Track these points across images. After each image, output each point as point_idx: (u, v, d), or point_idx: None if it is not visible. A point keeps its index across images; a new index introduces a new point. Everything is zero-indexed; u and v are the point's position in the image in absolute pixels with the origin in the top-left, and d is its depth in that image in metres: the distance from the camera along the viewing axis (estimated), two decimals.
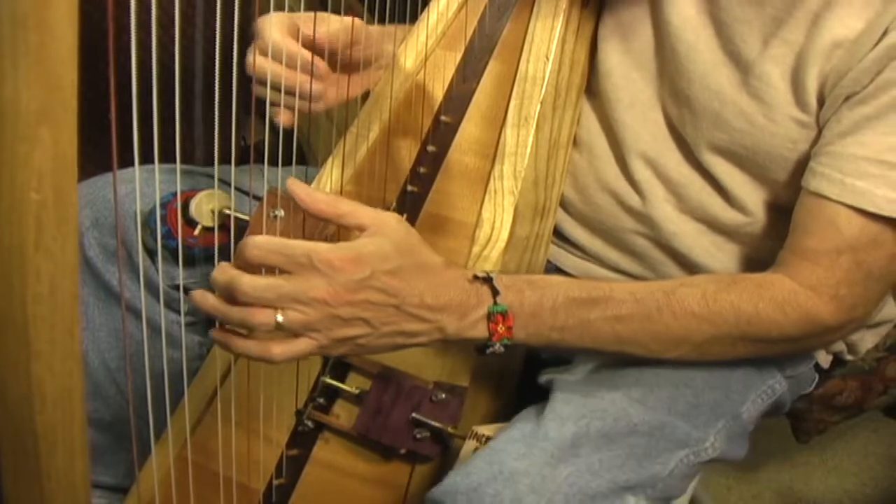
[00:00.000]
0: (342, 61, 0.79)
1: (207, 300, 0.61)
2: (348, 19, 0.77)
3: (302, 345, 0.61)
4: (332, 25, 0.76)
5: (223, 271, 0.60)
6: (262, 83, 0.73)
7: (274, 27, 0.74)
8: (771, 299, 0.73)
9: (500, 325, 0.67)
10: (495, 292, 0.67)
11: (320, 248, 0.60)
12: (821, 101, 0.76)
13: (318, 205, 0.63)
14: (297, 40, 0.74)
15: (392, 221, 0.64)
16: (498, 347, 0.67)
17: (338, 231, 0.72)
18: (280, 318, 0.59)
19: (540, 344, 0.70)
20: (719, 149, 0.82)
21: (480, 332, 0.67)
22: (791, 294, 0.73)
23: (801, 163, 0.78)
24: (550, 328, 0.69)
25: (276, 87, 0.73)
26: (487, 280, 0.68)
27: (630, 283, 0.74)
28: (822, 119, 0.77)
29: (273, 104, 0.75)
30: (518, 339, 0.68)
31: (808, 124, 0.77)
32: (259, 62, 0.73)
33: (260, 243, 0.60)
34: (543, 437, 0.68)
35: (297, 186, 0.63)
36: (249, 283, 0.59)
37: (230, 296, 0.59)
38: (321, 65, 0.75)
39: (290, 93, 0.75)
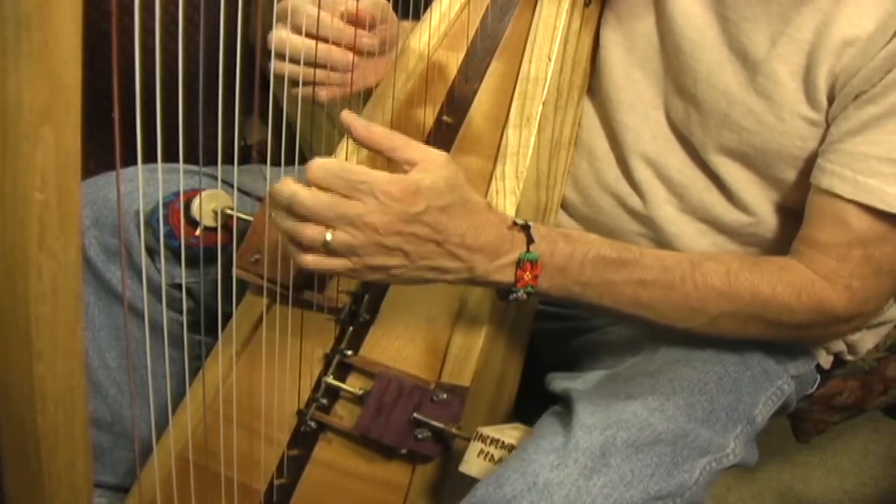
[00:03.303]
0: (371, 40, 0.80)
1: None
2: None
3: (336, 262, 0.63)
4: (349, 5, 0.77)
5: (286, 184, 0.62)
6: (290, 60, 0.75)
7: (301, 1, 0.75)
8: (789, 283, 0.74)
9: (528, 273, 0.68)
10: (530, 240, 0.68)
11: (381, 177, 0.62)
12: (830, 99, 0.77)
13: (374, 136, 0.65)
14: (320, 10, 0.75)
15: (442, 158, 0.65)
16: (521, 294, 0.69)
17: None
18: (329, 236, 0.61)
19: (560, 296, 0.71)
20: (727, 149, 0.82)
21: (507, 276, 0.68)
22: (808, 281, 0.75)
23: (809, 161, 0.79)
24: (574, 282, 0.71)
25: (302, 62, 0.75)
26: (525, 228, 0.69)
27: (659, 251, 0.76)
28: (831, 117, 0.77)
29: (294, 84, 0.76)
30: (541, 288, 0.69)
31: (818, 122, 0.78)
32: (285, 36, 0.75)
33: (323, 164, 0.62)
34: (574, 447, 0.67)
35: (352, 117, 0.66)
36: (310, 197, 0.61)
37: (289, 208, 0.62)
38: (349, 35, 0.76)
39: (317, 66, 0.76)
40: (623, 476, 0.66)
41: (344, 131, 0.86)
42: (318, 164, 0.62)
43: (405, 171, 0.64)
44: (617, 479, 0.66)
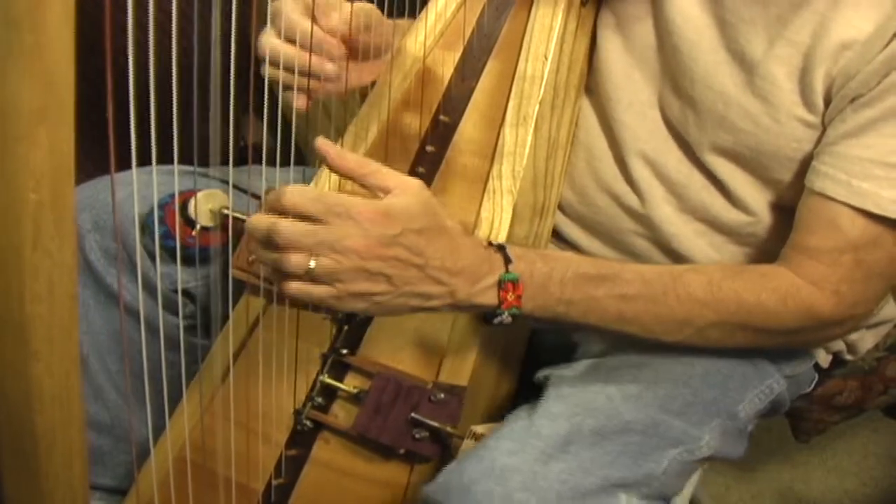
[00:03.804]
0: (360, 45, 0.80)
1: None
2: (362, 3, 0.77)
3: (319, 290, 0.63)
4: (345, 10, 0.76)
5: (261, 218, 0.62)
6: (276, 65, 0.74)
7: (291, 8, 0.75)
8: (774, 290, 0.74)
9: (510, 294, 0.68)
10: (507, 261, 0.68)
11: (356, 201, 0.62)
12: (827, 102, 0.77)
13: (347, 163, 0.65)
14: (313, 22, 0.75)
15: (415, 184, 0.65)
16: (506, 317, 0.68)
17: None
18: (313, 263, 0.61)
19: (546, 317, 0.71)
20: (723, 149, 0.82)
21: (490, 298, 0.68)
22: (793, 287, 0.74)
23: (805, 163, 0.79)
24: (557, 301, 0.70)
25: (290, 69, 0.75)
26: (501, 249, 0.69)
27: (640, 265, 0.76)
28: (828, 119, 0.77)
29: (286, 88, 0.76)
30: (525, 309, 0.69)
31: (814, 124, 0.78)
32: (275, 43, 0.74)
33: (298, 190, 0.62)
34: (535, 434, 0.68)
35: (326, 145, 0.65)
36: (289, 227, 0.61)
37: (268, 240, 0.62)
38: (337, 45, 0.76)
39: (304, 75, 0.75)
40: (582, 463, 0.67)
41: (341, 129, 0.87)
42: (293, 190, 0.62)
43: (379, 199, 0.64)
44: (575, 466, 0.66)
